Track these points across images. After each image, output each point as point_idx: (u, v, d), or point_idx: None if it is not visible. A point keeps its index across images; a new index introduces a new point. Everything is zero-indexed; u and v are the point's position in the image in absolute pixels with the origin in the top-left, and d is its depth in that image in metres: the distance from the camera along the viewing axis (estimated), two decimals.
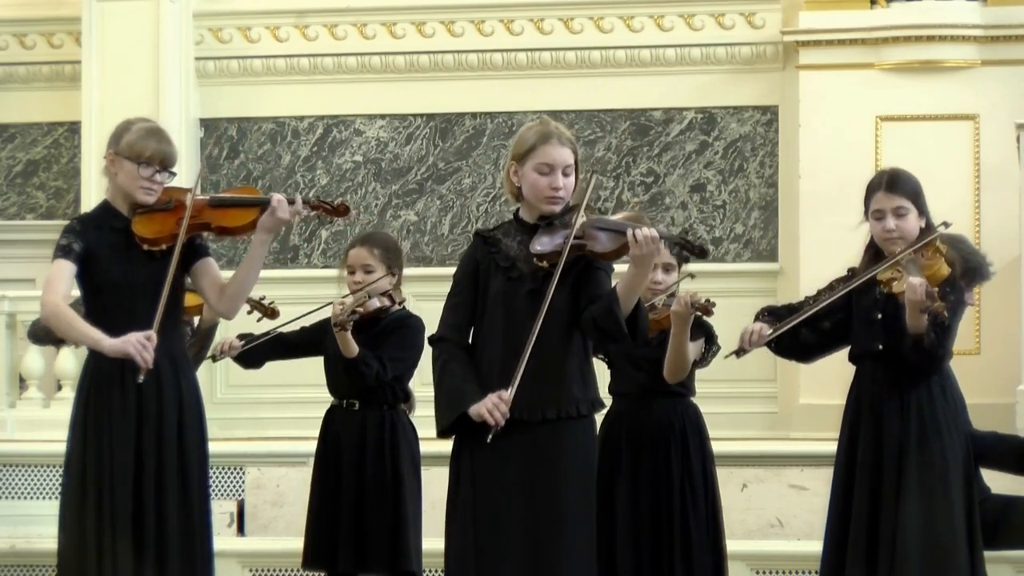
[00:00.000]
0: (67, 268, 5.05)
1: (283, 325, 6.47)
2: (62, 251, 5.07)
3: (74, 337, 5.12)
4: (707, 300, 5.44)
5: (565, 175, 4.75)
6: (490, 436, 4.61)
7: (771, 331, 5.25)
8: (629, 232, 4.61)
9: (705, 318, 5.54)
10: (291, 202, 5.11)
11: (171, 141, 5.19)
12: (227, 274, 5.33)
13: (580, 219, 4.70)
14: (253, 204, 5.17)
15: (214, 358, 6.42)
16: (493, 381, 4.68)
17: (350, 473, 6.12)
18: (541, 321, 4.61)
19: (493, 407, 4.60)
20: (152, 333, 4.99)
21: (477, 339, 4.79)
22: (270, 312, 6.52)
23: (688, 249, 4.73)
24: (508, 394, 4.60)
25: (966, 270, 5.77)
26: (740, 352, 5.26)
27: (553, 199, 4.75)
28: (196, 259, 5.20)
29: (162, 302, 5.05)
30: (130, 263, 5.08)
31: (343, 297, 6.13)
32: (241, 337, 6.37)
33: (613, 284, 4.72)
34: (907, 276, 5.01)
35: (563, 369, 4.70)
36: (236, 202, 5.21)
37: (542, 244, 4.71)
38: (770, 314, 5.41)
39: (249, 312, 6.44)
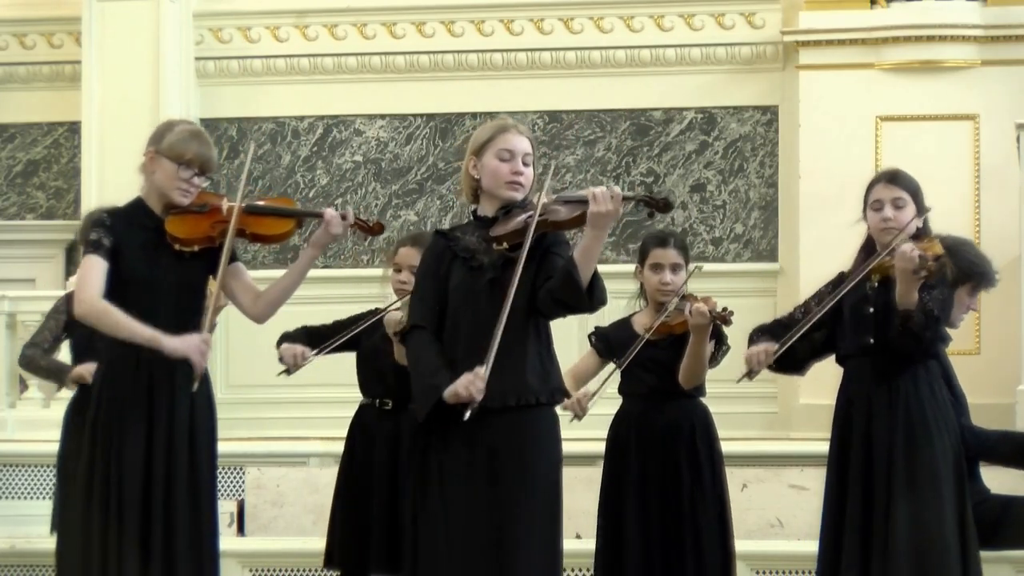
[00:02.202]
0: (100, 264, 5.00)
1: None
2: (93, 246, 5.02)
3: (124, 336, 4.97)
4: (725, 309, 5.47)
5: (525, 164, 4.80)
6: (467, 414, 4.60)
7: (777, 347, 5.27)
8: (588, 190, 4.63)
9: (724, 327, 5.57)
10: (343, 217, 5.12)
11: (212, 146, 5.18)
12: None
13: (542, 200, 4.72)
14: (290, 215, 5.21)
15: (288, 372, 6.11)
16: (459, 373, 4.67)
17: (383, 473, 6.01)
18: (509, 305, 4.61)
19: (468, 383, 4.60)
20: (209, 337, 5.03)
21: (442, 332, 4.78)
22: None
23: (652, 205, 4.70)
24: (483, 371, 4.60)
25: (970, 275, 5.79)
26: (751, 375, 5.29)
27: (515, 184, 4.78)
28: (228, 263, 5.16)
29: (209, 310, 5.09)
30: (158, 262, 5.06)
31: (391, 304, 5.93)
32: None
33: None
34: (899, 248, 5.05)
35: (523, 359, 4.71)
36: (273, 211, 5.24)
37: (503, 227, 4.73)
38: (764, 332, 5.42)
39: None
